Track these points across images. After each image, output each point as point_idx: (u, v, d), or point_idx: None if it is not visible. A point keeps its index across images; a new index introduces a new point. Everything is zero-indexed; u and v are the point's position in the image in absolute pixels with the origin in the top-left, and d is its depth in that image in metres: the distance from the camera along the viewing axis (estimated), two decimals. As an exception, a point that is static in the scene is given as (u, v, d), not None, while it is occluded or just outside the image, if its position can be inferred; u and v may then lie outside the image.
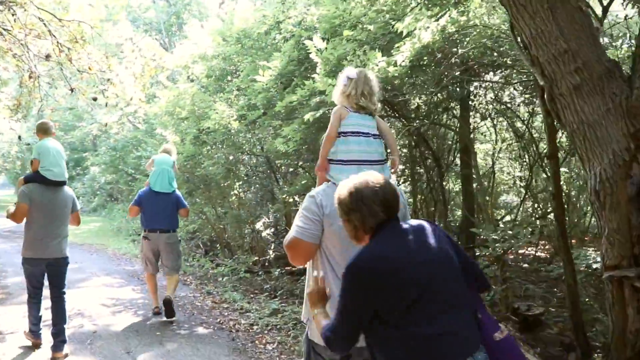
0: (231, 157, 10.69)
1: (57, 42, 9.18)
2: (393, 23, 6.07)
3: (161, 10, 22.97)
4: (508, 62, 6.85)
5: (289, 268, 9.31)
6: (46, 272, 5.55)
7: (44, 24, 9.22)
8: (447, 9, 5.74)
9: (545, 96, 3.71)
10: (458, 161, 9.64)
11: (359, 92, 2.76)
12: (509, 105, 8.62)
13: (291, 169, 11.50)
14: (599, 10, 4.38)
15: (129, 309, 7.60)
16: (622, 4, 4.29)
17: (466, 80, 7.29)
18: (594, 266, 6.06)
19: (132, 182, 17.58)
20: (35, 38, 9.30)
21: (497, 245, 5.61)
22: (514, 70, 7.19)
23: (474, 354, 2.10)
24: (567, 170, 9.21)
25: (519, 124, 9.08)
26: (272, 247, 10.77)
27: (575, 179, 9.14)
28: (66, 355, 5.50)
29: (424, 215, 10.09)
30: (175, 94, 11.78)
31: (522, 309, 5.82)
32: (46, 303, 5.66)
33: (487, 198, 9.26)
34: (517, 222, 7.86)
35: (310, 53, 7.54)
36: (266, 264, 10.10)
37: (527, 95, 8.14)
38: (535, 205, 9.75)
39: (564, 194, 7.47)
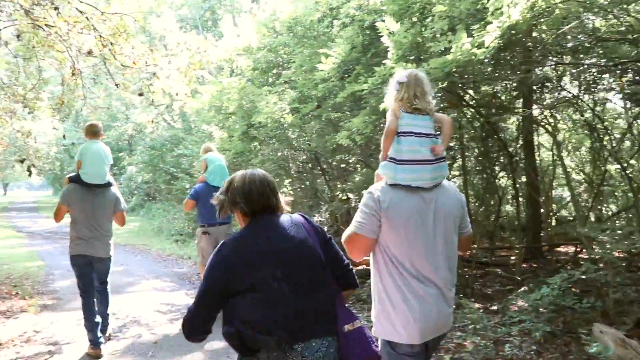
0: (280, 153, 10.20)
1: (100, 36, 8.81)
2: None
3: (196, 6, 22.64)
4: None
5: (356, 270, 8.80)
6: (92, 268, 5.69)
7: (86, 18, 8.85)
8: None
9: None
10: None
11: (411, 95, 2.73)
12: (580, 93, 7.90)
13: (342, 165, 10.98)
14: None
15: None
16: None
17: (554, 64, 6.65)
18: None
19: (173, 181, 17.22)
20: (78, 33, 8.94)
21: (608, 246, 4.98)
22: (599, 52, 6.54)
23: (323, 337, 2.35)
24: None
25: (588, 114, 8.34)
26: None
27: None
28: (109, 336, 6.03)
29: (479, 212, 9.49)
30: (219, 88, 11.36)
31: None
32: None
33: (550, 194, 8.62)
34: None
35: (375, 38, 7.01)
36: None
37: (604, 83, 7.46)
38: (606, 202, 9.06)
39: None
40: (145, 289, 9.12)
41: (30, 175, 11.19)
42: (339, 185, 10.05)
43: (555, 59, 7.07)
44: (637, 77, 7.01)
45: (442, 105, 7.01)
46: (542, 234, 9.74)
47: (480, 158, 8.55)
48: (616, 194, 9.98)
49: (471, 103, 7.68)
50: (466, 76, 6.44)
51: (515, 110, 8.00)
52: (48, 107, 11.51)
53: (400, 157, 2.64)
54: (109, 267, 5.84)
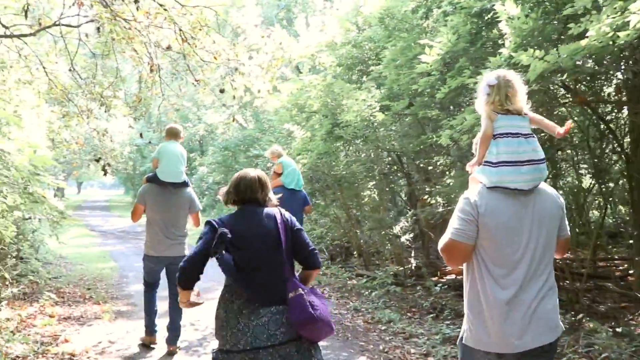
0: (364, 155, 9.50)
1: (180, 29, 8.35)
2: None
3: (271, 5, 22.32)
4: None
5: (446, 279, 8.02)
6: (165, 270, 5.78)
7: (165, 10, 8.42)
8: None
9: None
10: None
11: (502, 97, 2.66)
12: None
13: (430, 167, 10.18)
14: None
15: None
16: None
17: None
18: None
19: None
20: (157, 27, 8.54)
21: None
22: None
23: (284, 305, 3.02)
24: None
25: None
26: (413, 255, 9.47)
27: None
28: (179, 348, 5.74)
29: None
30: (299, 86, 10.78)
31: None
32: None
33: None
34: None
35: (483, 26, 6.25)
36: (409, 273, 8.81)
37: None
38: None
39: None
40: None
41: (105, 174, 10.91)
42: (427, 189, 9.27)
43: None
44: None
45: (567, 102, 6.16)
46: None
47: (595, 160, 7.56)
48: None
49: (590, 98, 6.76)
50: (596, 67, 5.57)
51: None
52: (124, 104, 11.24)
53: (497, 160, 2.59)
54: None
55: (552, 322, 2.56)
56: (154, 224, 5.63)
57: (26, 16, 7.68)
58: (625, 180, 7.71)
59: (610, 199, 8.69)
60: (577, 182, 8.51)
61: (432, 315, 6.81)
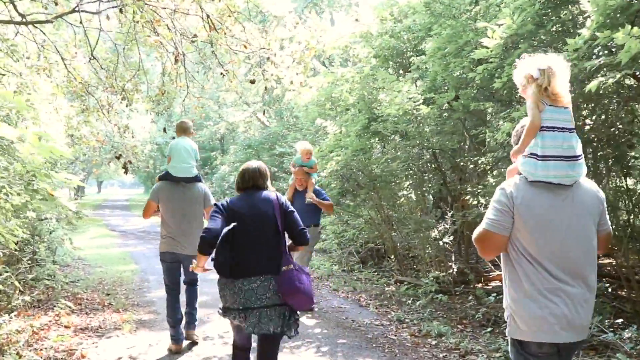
0: (400, 152, 8.76)
1: (208, 16, 7.74)
2: None
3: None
4: None
5: (492, 285, 7.29)
6: (183, 269, 5.77)
7: (191, -4, 7.81)
8: None
9: None
10: None
11: (554, 81, 2.59)
12: None
13: (471, 166, 9.45)
14: None
15: (311, 343, 5.87)
16: None
17: None
18: None
19: (273, 182, 16.09)
20: (184, 13, 7.93)
21: None
22: None
23: (271, 275, 3.67)
24: None
25: None
26: (453, 259, 8.70)
27: None
28: (197, 336, 5.89)
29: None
30: (330, 80, 10.11)
31: None
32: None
33: None
34: None
35: (553, 6, 5.54)
36: (454, 279, 8.06)
37: None
38: None
39: None
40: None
41: (126, 172, 10.35)
42: (468, 189, 8.54)
43: None
44: None
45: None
46: None
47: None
48: None
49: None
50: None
51: None
52: (147, 98, 10.66)
53: (542, 153, 2.55)
54: None
55: (586, 322, 2.58)
56: (168, 220, 5.65)
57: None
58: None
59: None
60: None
61: (487, 328, 6.07)
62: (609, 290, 6.63)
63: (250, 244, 3.71)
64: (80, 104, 11.02)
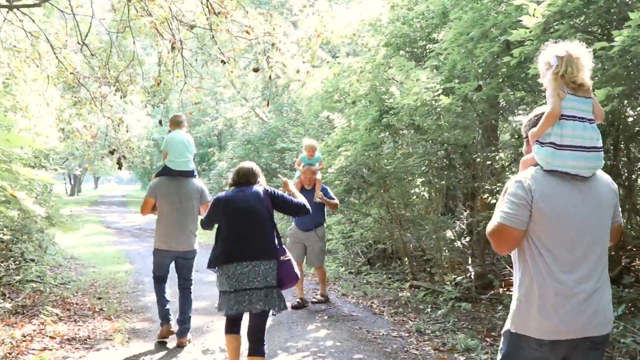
0: (426, 146, 8.16)
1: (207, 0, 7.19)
2: None
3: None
4: None
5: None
6: (175, 263, 5.79)
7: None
8: None
9: None
10: None
11: (574, 69, 2.49)
12: None
13: (488, 162, 8.92)
14: None
15: (324, 359, 5.28)
16: None
17: None
18: None
19: (272, 178, 15.43)
20: (180, -1, 7.40)
21: None
22: None
23: (260, 260, 4.14)
24: None
25: None
26: (470, 262, 8.11)
27: None
28: (189, 341, 5.75)
29: None
30: (336, 71, 9.53)
31: None
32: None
33: None
34: None
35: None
36: (475, 285, 7.46)
37: None
38: None
39: None
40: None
41: (120, 168, 9.76)
42: (487, 187, 8.00)
43: None
44: None
45: None
46: None
47: None
48: None
49: None
50: None
51: None
52: (142, 90, 10.05)
53: (561, 142, 2.47)
54: (193, 263, 5.87)
55: (607, 315, 2.51)
56: (165, 216, 5.62)
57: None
58: None
59: None
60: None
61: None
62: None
63: (243, 232, 4.22)
64: (72, 96, 10.43)
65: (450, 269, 8.31)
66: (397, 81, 7.97)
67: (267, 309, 4.16)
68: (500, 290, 7.20)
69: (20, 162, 7.16)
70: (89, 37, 8.87)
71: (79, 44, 7.72)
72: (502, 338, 2.67)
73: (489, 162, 8.90)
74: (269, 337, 5.56)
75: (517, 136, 7.75)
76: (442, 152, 8.67)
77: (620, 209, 2.70)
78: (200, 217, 5.54)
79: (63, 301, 7.42)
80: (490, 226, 2.57)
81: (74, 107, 10.55)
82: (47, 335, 5.73)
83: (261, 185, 4.44)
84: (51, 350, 5.33)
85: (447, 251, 7.73)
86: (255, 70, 7.49)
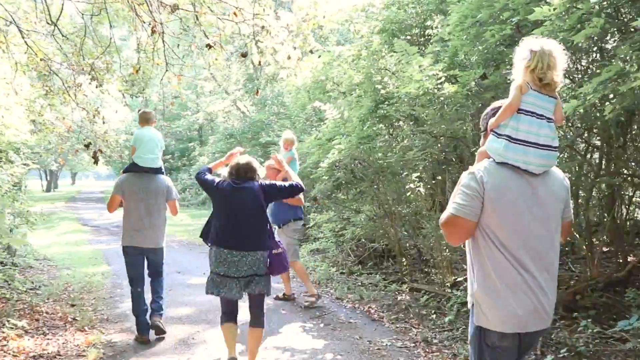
0: (427, 139, 7.57)
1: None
2: None
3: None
4: None
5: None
6: (147, 262, 5.82)
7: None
8: None
9: None
10: None
11: (545, 65, 2.49)
12: None
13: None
14: None
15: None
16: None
17: None
18: None
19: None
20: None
21: None
22: None
23: (253, 251, 4.46)
24: None
25: None
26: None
27: None
28: (161, 322, 5.75)
29: None
30: (326, 60, 8.95)
31: None
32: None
33: None
34: None
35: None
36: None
37: None
38: None
39: None
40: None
41: (96, 163, 9.08)
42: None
43: None
44: None
45: None
46: None
47: None
48: None
49: None
50: None
51: None
52: (119, 79, 9.39)
53: (515, 136, 2.51)
54: (162, 258, 5.91)
55: (551, 310, 2.56)
56: (133, 213, 5.61)
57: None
58: None
59: None
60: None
61: (546, 357, 4.89)
62: None
63: (237, 226, 4.49)
64: (43, 85, 9.72)
65: (448, 269, 7.77)
66: (391, 71, 7.41)
67: (255, 292, 4.54)
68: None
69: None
70: (62, 21, 8.22)
71: (48, 23, 7.02)
72: (470, 334, 2.67)
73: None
74: (262, 348, 5.00)
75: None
76: (440, 145, 8.12)
77: (571, 206, 2.76)
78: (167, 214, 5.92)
79: (31, 310, 6.75)
80: (442, 217, 2.59)
81: (46, 97, 9.84)
82: (9, 353, 5.07)
83: (257, 181, 4.62)
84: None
85: (447, 251, 7.17)
86: (244, 55, 6.90)
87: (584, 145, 6.84)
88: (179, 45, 7.99)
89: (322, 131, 8.68)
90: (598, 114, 5.36)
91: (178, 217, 7.77)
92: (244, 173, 4.55)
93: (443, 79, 6.38)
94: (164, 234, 5.85)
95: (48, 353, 5.17)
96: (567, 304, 5.74)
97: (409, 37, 8.89)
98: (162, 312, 5.81)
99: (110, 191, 6.40)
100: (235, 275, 4.41)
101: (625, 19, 5.04)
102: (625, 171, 6.43)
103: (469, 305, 2.65)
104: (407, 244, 8.82)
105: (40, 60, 8.62)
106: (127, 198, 5.63)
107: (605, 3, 4.60)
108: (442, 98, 6.42)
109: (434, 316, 6.28)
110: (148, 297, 5.82)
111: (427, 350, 5.27)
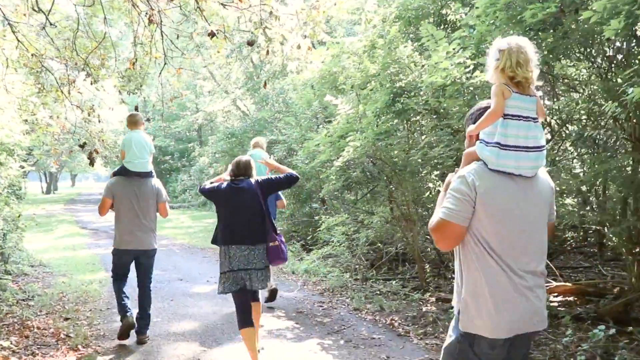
0: (452, 135, 6.99)
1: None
2: None
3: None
4: None
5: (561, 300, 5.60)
6: (135, 263, 5.80)
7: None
8: None
9: None
10: None
11: (513, 63, 2.41)
12: None
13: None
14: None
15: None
16: None
17: None
18: None
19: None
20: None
21: None
22: None
23: (256, 245, 4.73)
24: None
25: None
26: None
27: None
28: (148, 338, 5.74)
29: None
30: (334, 52, 8.36)
31: None
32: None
33: None
34: None
35: None
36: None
37: None
38: None
39: None
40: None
41: (92, 164, 8.52)
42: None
43: None
44: None
45: None
46: None
47: None
48: None
49: None
50: None
51: None
52: (115, 75, 8.82)
53: (505, 142, 2.41)
54: (153, 260, 5.91)
55: (545, 310, 2.50)
56: (123, 216, 5.66)
57: None
58: None
59: None
60: None
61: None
62: None
63: (241, 222, 4.75)
64: (35, 82, 9.14)
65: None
66: (409, 60, 6.83)
67: (259, 287, 4.80)
68: (554, 302, 6.10)
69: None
70: (54, 15, 7.68)
71: (35, 10, 6.46)
72: (451, 337, 2.59)
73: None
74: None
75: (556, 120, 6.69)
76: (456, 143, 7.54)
77: (555, 207, 2.70)
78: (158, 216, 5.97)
79: (21, 325, 6.17)
80: (432, 222, 2.52)
81: (38, 95, 9.25)
82: (-7, 379, 4.50)
83: (254, 177, 4.96)
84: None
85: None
86: (250, 43, 6.32)
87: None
88: (178, 36, 7.39)
89: (332, 128, 8.10)
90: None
91: (179, 219, 7.32)
92: (243, 169, 4.90)
93: (472, 66, 5.80)
94: (156, 236, 5.88)
95: (36, 379, 4.59)
96: (616, 316, 5.17)
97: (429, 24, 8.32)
98: (148, 327, 5.83)
99: (107, 194, 5.88)
100: (247, 268, 4.68)
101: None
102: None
103: (455, 312, 2.56)
104: (428, 248, 8.22)
105: (32, 55, 8.09)
106: (118, 201, 5.67)
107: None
108: (471, 88, 5.83)
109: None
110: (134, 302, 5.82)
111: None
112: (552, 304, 6.13)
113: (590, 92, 5.76)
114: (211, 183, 5.05)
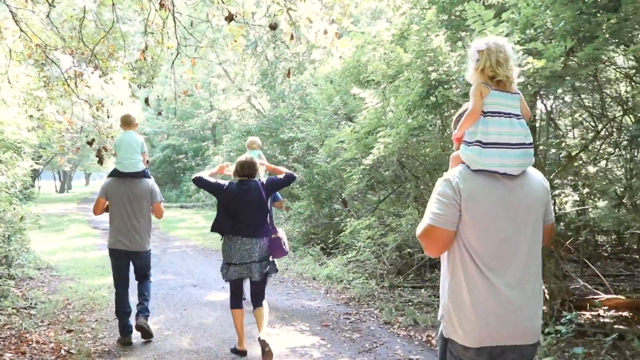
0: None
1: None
2: None
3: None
4: None
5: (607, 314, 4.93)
6: (132, 265, 5.85)
7: None
8: None
9: None
10: None
11: (493, 62, 2.40)
12: None
13: (553, 150, 7.35)
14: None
15: None
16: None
17: None
18: None
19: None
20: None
21: None
22: None
23: (259, 238, 5.16)
24: None
25: None
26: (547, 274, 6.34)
27: None
28: (147, 325, 5.72)
29: None
30: (359, 43, 7.75)
31: None
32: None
33: None
34: None
35: None
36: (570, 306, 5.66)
37: None
38: None
39: None
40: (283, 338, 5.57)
41: (100, 162, 7.99)
42: (555, 181, 6.39)
43: None
44: None
45: None
46: None
47: None
48: None
49: None
50: None
51: None
52: (125, 67, 8.27)
53: (487, 140, 2.37)
54: (149, 261, 5.92)
55: (537, 322, 2.38)
56: (117, 216, 5.69)
57: None
58: None
59: None
60: None
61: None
62: None
63: (248, 218, 5.16)
64: (40, 75, 8.62)
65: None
66: (448, 49, 6.20)
67: (259, 278, 5.16)
68: (605, 318, 5.45)
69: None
70: (60, 3, 7.18)
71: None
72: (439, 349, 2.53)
73: (553, 150, 7.30)
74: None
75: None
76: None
77: (552, 208, 2.58)
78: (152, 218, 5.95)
79: (19, 338, 5.60)
80: (419, 228, 2.45)
81: (44, 89, 8.71)
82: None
83: (258, 177, 5.37)
84: None
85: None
86: (273, 27, 5.69)
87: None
88: (192, 23, 6.81)
89: (359, 123, 7.47)
90: None
91: (193, 219, 7.00)
92: (247, 169, 5.27)
93: (521, 52, 5.14)
94: (150, 237, 5.89)
95: (27, 409, 4.00)
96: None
97: (463, 12, 7.68)
98: (148, 313, 5.83)
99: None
100: (249, 261, 5.10)
101: None
102: None
103: (439, 317, 2.50)
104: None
105: (36, 46, 7.57)
106: (111, 202, 5.70)
107: None
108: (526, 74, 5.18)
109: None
110: (134, 300, 5.83)
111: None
112: (604, 320, 5.50)
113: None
114: (210, 175, 5.41)
